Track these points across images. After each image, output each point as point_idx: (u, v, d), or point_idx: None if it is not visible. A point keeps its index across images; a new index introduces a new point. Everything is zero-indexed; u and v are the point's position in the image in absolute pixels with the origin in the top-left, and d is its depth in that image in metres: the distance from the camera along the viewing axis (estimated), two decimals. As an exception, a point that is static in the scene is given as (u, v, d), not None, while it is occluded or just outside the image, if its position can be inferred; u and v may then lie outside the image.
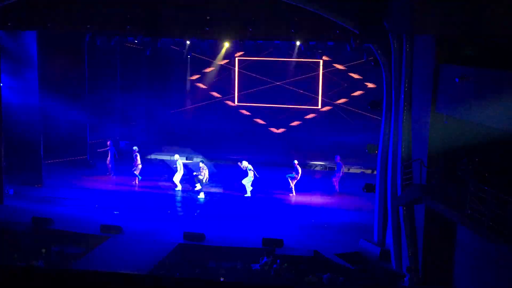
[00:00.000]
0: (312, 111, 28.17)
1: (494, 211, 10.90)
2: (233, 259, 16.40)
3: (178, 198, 22.05)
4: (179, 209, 20.91)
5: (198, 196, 21.83)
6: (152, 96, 28.91)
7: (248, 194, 21.93)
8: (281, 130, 28.62)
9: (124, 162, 24.38)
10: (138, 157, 22.98)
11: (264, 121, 28.71)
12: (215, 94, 28.94)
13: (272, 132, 28.70)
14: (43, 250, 16.19)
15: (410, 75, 15.01)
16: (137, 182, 23.05)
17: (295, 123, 28.45)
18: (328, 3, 16.52)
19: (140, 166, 23.03)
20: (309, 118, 28.27)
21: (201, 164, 21.97)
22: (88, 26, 19.45)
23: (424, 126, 14.23)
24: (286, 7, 17.40)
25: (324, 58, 26.83)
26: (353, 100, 27.45)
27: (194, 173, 22.31)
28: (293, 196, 22.00)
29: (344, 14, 16.53)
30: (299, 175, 21.93)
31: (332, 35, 18.36)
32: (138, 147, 23.43)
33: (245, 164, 21.79)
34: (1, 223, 18.40)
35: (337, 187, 22.61)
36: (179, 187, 22.62)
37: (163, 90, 28.97)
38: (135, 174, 23.01)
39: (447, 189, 13.15)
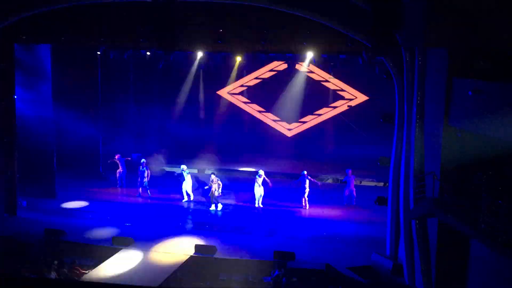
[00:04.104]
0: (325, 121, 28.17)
1: (509, 225, 10.78)
2: (244, 272, 16.35)
3: (190, 210, 22.05)
4: (190, 221, 20.92)
5: (210, 208, 21.83)
6: (165, 108, 28.96)
7: (259, 204, 21.92)
8: (291, 132, 28.52)
9: (136, 175, 24.46)
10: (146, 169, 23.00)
11: (276, 131, 28.73)
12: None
13: (284, 142, 28.62)
14: (55, 262, 16.24)
15: (422, 88, 14.96)
16: (149, 194, 23.08)
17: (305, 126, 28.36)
18: (340, 16, 16.56)
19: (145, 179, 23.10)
20: (320, 128, 28.25)
21: (212, 177, 21.94)
22: (102, 39, 19.62)
23: (436, 139, 14.15)
24: (298, 20, 17.47)
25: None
26: (363, 112, 27.37)
27: (206, 187, 22.27)
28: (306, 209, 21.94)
29: (356, 27, 16.56)
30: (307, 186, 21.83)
31: (344, 48, 18.39)
32: (146, 159, 23.50)
33: (261, 173, 21.77)
34: (14, 234, 18.53)
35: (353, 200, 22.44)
36: (186, 199, 22.65)
37: (176, 102, 28.94)
38: (145, 186, 23.06)
39: (461, 203, 13.02)
